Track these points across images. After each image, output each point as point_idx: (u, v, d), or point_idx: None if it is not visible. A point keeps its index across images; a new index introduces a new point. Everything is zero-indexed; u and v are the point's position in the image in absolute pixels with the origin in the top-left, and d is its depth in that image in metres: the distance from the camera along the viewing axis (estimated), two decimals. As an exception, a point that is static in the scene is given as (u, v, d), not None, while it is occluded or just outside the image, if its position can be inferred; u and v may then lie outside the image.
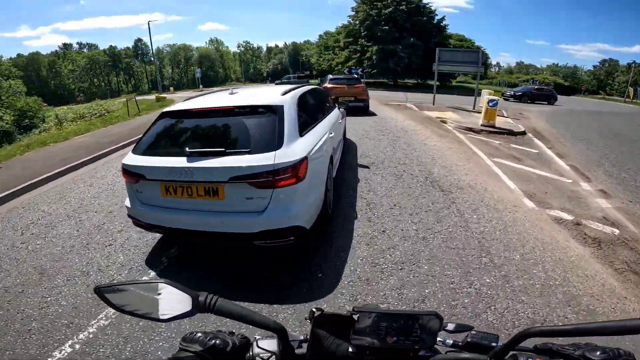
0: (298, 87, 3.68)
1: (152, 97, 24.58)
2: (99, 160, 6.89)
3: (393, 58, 33.92)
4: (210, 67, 72.18)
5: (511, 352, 0.61)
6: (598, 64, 78.12)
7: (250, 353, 0.64)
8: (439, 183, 4.87)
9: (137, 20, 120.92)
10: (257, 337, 0.67)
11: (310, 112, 3.57)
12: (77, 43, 78.78)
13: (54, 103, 46.21)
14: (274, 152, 2.46)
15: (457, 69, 13.93)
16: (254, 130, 2.67)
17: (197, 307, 0.58)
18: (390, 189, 4.64)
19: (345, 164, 5.60)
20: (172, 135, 2.90)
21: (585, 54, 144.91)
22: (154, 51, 57.45)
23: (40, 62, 66.78)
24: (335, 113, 4.92)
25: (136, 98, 18.42)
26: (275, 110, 2.73)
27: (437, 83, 15.44)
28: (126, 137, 8.59)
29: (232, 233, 2.59)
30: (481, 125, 9.31)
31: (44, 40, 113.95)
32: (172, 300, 0.58)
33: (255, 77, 74.27)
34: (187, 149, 2.57)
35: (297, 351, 0.65)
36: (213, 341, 0.60)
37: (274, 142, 2.54)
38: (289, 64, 79.63)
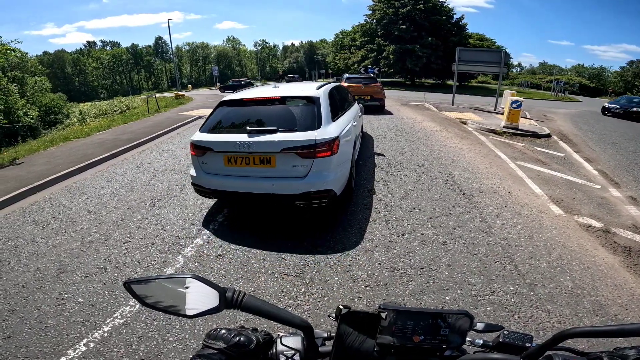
0: (328, 83, 4.36)
1: (171, 94, 25.09)
2: (119, 156, 7.02)
3: (411, 57, 33.36)
4: (227, 66, 73.20)
5: (546, 353, 0.58)
6: (626, 65, 74.82)
7: (274, 350, 0.63)
8: (460, 186, 4.69)
9: (157, 19, 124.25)
10: (281, 334, 0.66)
11: (337, 103, 4.12)
12: (101, 41, 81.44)
13: (78, 99, 48.00)
14: (314, 131, 3.21)
15: (478, 69, 13.50)
16: (298, 115, 3.39)
17: (224, 303, 0.57)
18: (409, 191, 4.50)
19: (365, 163, 5.51)
20: (231, 118, 3.58)
21: (611, 55, 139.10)
22: (173, 49, 58.73)
23: (65, 60, 69.26)
24: (356, 107, 5.49)
25: (156, 95, 18.75)
26: (313, 101, 3.46)
27: (457, 83, 15.01)
28: (147, 133, 8.75)
29: (280, 194, 3.24)
30: (503, 127, 8.97)
31: (69, 38, 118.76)
32: (199, 295, 0.57)
33: (271, 75, 74.78)
34: (247, 127, 3.27)
35: (322, 349, 0.64)
36: (237, 338, 0.59)
37: (314, 123, 3.28)
38: (305, 63, 79.96)
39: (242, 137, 3.22)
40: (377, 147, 6.81)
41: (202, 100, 20.52)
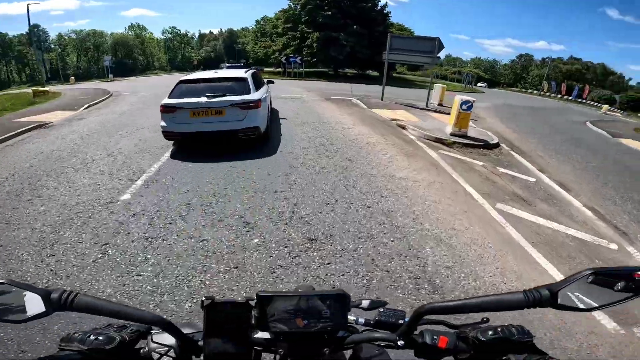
0: (250, 69, 6.99)
1: (31, 90, 18.77)
2: None
3: (335, 46, 31.43)
4: (128, 55, 62.68)
5: (419, 329, 0.59)
6: (515, 58, 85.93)
7: (146, 348, 0.58)
8: (447, 292, 2.39)
9: (44, 5, 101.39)
10: (153, 330, 0.60)
11: (256, 81, 6.35)
12: (-41, 30, 63.14)
13: None
14: (247, 95, 5.53)
15: (410, 58, 11.92)
16: (235, 87, 5.66)
17: (51, 306, 0.52)
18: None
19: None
20: (190, 90, 5.60)
21: (499, 49, 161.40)
22: (52, 38, 47.47)
23: None
24: (266, 85, 7.49)
25: None
26: (244, 79, 5.83)
27: (387, 74, 13.30)
28: None
29: (228, 130, 5.39)
30: (451, 134, 7.23)
31: None
32: (21, 299, 0.51)
33: (184, 66, 66.60)
34: (206, 94, 5.39)
35: (201, 342, 0.57)
36: (94, 337, 0.53)
37: (246, 91, 5.60)
38: (224, 52, 73.67)
39: (203, 99, 5.34)
40: (286, 186, 4.24)
41: (72, 97, 15.45)
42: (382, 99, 12.89)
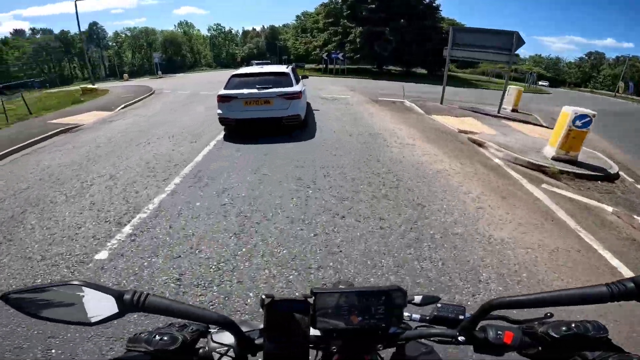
0: (290, 64, 8.76)
1: (90, 86, 19.30)
2: None
3: (379, 42, 29.35)
4: (177, 52, 65.22)
5: (480, 324, 0.58)
6: (584, 56, 77.56)
7: (207, 347, 0.59)
8: None
9: (106, 4, 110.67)
10: (212, 330, 0.61)
11: (295, 75, 7.23)
12: (30, 29, 70.70)
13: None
14: (291, 87, 6.34)
15: (479, 55, 9.80)
16: (280, 80, 6.45)
17: (124, 307, 0.52)
18: None
19: None
20: (241, 83, 6.45)
21: (559, 46, 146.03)
22: (109, 35, 50.60)
23: None
24: (301, 81, 7.90)
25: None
26: (287, 74, 6.65)
27: (447, 73, 11.29)
28: None
29: (275, 117, 6.23)
30: (553, 157, 5.26)
31: (6, 27, 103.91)
32: (95, 301, 0.52)
33: (228, 63, 67.99)
34: (256, 86, 6.24)
35: (258, 341, 0.59)
36: (159, 337, 0.54)
37: (290, 84, 6.41)
38: (266, 49, 74.14)
39: (254, 90, 6.18)
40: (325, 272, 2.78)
41: (116, 95, 15.43)
42: (441, 102, 10.91)
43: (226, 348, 0.57)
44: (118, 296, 0.52)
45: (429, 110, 9.70)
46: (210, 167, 4.89)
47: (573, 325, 0.51)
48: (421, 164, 4.99)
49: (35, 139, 7.34)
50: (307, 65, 35.87)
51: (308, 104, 8.53)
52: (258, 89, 6.19)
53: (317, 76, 28.34)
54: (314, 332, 0.58)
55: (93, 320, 0.51)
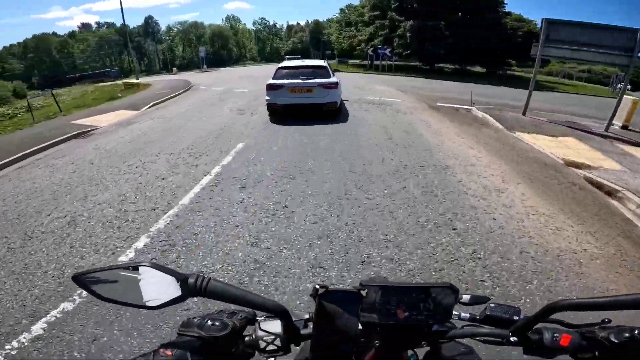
0: (325, 60, 9.69)
1: (133, 80, 19.37)
2: None
3: (432, 37, 26.39)
4: (223, 46, 66.39)
5: (535, 326, 0.56)
6: None
7: (254, 335, 0.58)
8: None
9: None
10: (260, 317, 0.60)
11: (331, 68, 8.19)
12: (96, 22, 76.46)
13: (68, 84, 42.38)
14: (329, 79, 7.47)
15: (586, 56, 7.25)
16: (319, 72, 7.57)
17: (188, 290, 0.52)
18: None
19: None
20: (287, 73, 7.54)
21: None
22: (162, 30, 52.56)
23: (51, 44, 65.05)
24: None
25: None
26: (324, 67, 7.84)
27: (536, 73, 8.87)
28: None
29: (316, 103, 7.34)
30: None
31: (77, 20, 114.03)
32: (159, 284, 0.52)
33: (272, 57, 67.92)
34: (300, 76, 7.37)
35: (303, 331, 0.59)
36: (211, 323, 0.54)
37: (328, 75, 7.58)
38: (310, 43, 73.09)
39: (298, 81, 7.27)
40: None
41: (153, 91, 15.08)
42: (524, 114, 8.54)
43: (273, 337, 0.57)
44: (183, 279, 0.52)
45: (510, 124, 7.50)
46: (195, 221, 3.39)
47: (636, 331, 0.50)
48: (520, 235, 3.08)
49: (41, 145, 6.53)
50: (350, 61, 33.82)
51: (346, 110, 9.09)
52: (302, 79, 7.34)
53: (361, 73, 26.32)
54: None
55: (156, 303, 0.52)
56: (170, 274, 0.52)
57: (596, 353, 0.52)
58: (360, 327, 0.56)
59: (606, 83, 37.42)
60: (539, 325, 0.57)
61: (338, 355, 0.55)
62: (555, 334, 0.55)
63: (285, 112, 7.41)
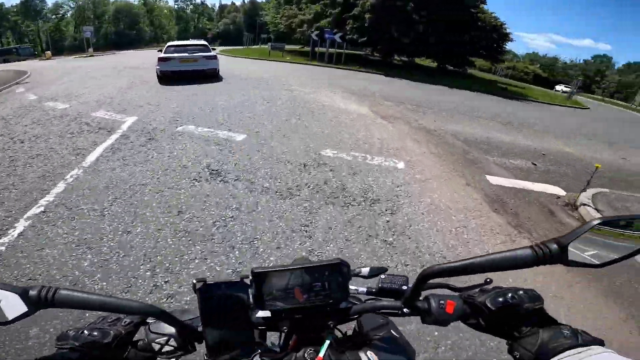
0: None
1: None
2: None
3: (398, 22, 20.10)
4: (131, 25, 53.54)
5: (424, 295, 0.57)
6: (590, 58, 72.78)
7: (146, 339, 0.56)
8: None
9: None
10: (151, 320, 0.57)
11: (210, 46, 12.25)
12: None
13: None
14: (210, 52, 11.18)
15: None
16: (202, 48, 11.20)
17: (33, 304, 0.49)
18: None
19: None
20: (175, 49, 10.85)
21: (538, 43, 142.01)
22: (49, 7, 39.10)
23: None
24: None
25: None
26: (207, 45, 11.67)
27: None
28: None
29: (200, 69, 10.60)
30: None
31: None
32: (5, 300, 0.48)
33: (196, 38, 57.20)
34: (187, 50, 10.80)
35: (201, 328, 0.55)
36: (87, 333, 0.52)
37: (209, 51, 11.25)
38: (245, 25, 63.66)
39: (186, 54, 10.42)
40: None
41: None
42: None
43: (166, 338, 0.54)
44: (22, 293, 0.49)
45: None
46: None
47: (509, 295, 0.51)
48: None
49: None
50: (287, 46, 26.29)
51: None
52: (188, 52, 10.45)
53: (303, 64, 19.40)
54: (263, 313, 0.57)
55: (1, 320, 0.48)
56: (7, 289, 0.48)
57: (480, 320, 0.52)
58: (268, 314, 0.55)
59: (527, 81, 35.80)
60: (428, 292, 0.56)
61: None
62: (441, 301, 0.54)
63: (176, 77, 10.06)
